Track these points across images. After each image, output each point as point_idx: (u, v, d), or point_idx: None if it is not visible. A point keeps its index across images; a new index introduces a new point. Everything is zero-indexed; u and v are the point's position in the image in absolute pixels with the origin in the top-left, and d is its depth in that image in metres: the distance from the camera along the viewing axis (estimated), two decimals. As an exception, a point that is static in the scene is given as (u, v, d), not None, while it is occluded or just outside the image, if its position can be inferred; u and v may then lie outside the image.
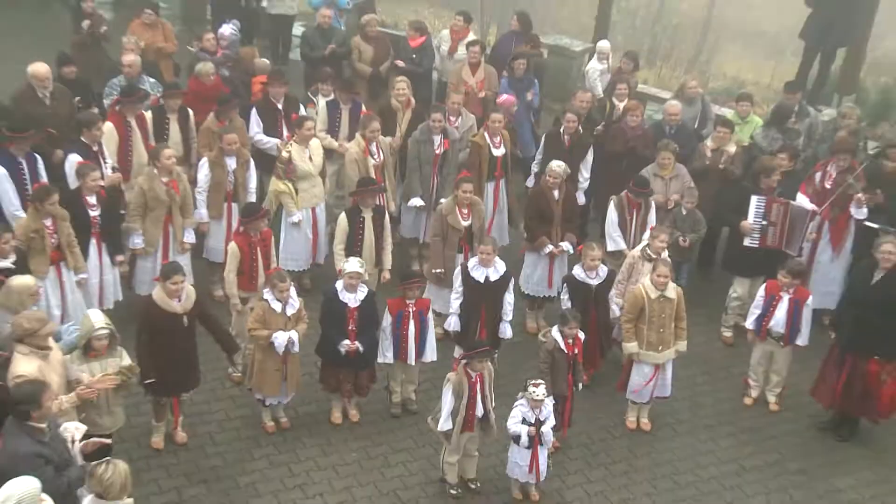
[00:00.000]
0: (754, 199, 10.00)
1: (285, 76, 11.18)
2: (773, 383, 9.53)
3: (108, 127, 9.99)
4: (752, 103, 11.69)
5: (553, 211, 9.87)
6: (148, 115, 10.41)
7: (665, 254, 9.19)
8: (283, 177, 9.98)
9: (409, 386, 9.04)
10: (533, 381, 7.84)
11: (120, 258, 9.34)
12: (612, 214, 10.01)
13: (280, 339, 8.20)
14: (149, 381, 7.83)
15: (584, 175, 10.87)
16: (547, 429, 7.89)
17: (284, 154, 10.03)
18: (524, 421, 7.82)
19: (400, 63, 12.46)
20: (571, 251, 9.96)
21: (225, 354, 8.58)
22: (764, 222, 9.98)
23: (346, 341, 8.40)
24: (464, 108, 11.27)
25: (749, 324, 9.36)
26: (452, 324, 9.09)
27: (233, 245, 8.90)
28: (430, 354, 8.87)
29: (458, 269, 9.12)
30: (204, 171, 9.85)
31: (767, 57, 18.56)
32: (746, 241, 10.07)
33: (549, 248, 9.88)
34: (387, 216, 9.71)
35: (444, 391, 7.90)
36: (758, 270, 10.16)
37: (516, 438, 7.88)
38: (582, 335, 8.54)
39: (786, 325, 9.12)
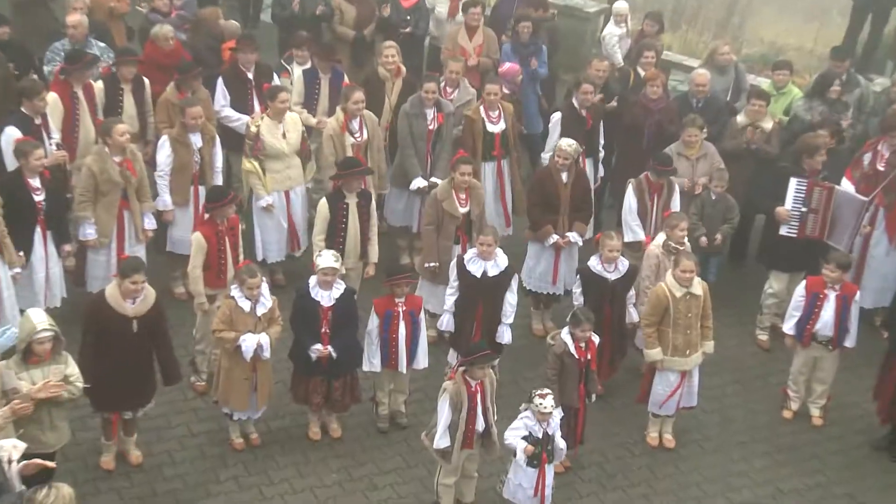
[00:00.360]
0: (793, 182, 9.93)
1: (256, 41, 11.07)
2: (818, 394, 9.45)
3: (51, 98, 9.84)
4: (791, 72, 11.59)
5: (560, 197, 9.78)
6: (98, 85, 10.31)
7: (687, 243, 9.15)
8: (249, 155, 9.86)
9: (398, 396, 8.96)
10: (539, 392, 7.77)
11: (67, 248, 9.25)
12: (629, 200, 9.94)
13: (249, 342, 8.11)
14: (85, 385, 7.68)
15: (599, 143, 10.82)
16: (560, 442, 7.82)
17: (252, 128, 9.91)
18: (529, 436, 7.73)
19: (386, 11, 12.23)
20: (580, 243, 9.86)
21: (190, 367, 8.62)
22: (804, 209, 9.92)
23: (318, 345, 8.33)
24: (465, 80, 11.18)
25: (788, 328, 9.24)
26: (445, 323, 9.03)
27: (197, 235, 8.80)
28: (423, 360, 8.82)
29: (453, 262, 9.04)
30: (165, 152, 9.72)
31: (810, 19, 18.39)
32: (783, 231, 10.01)
33: (554, 238, 9.79)
34: (373, 202, 9.61)
35: (439, 403, 7.83)
36: (797, 264, 10.08)
37: (529, 459, 7.73)
38: (596, 339, 8.46)
39: (834, 326, 9.01)
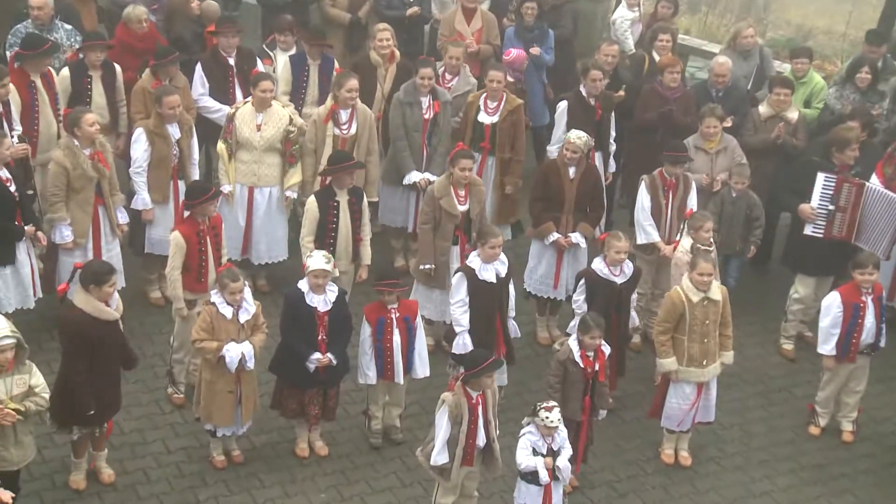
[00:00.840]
0: (821, 178, 10.02)
1: (238, 24, 11.17)
2: (850, 406, 9.55)
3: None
4: (811, 59, 11.70)
5: (565, 193, 9.91)
6: (63, 73, 10.40)
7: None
8: (221, 136, 10.07)
9: (393, 410, 9.10)
10: (545, 405, 7.84)
11: (41, 236, 9.25)
12: (643, 198, 10.04)
13: (232, 352, 8.24)
14: (89, 412, 7.87)
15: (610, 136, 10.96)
16: (564, 462, 7.91)
17: (231, 110, 10.09)
18: (533, 452, 7.84)
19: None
20: (583, 245, 10.00)
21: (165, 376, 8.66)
22: (831, 207, 10.00)
23: (317, 354, 8.48)
24: (465, 67, 11.31)
25: (828, 349, 9.18)
26: (462, 344, 8.92)
27: (176, 235, 8.88)
28: (421, 370, 8.92)
29: (458, 276, 9.01)
30: (142, 146, 9.81)
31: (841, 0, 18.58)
32: (808, 230, 10.12)
33: (554, 236, 9.93)
34: (365, 199, 9.77)
35: (437, 416, 7.90)
36: (824, 268, 10.23)
37: (530, 476, 7.86)
38: (607, 349, 8.54)
39: (875, 332, 9.20)
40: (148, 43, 10.99)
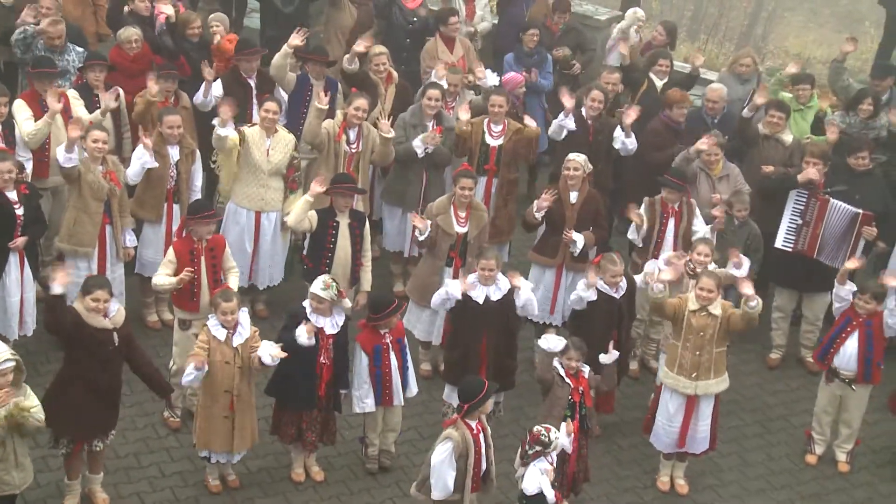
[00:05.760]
0: (793, 194, 10.25)
1: (259, 47, 11.14)
2: (844, 437, 9.47)
3: (17, 105, 9.85)
4: (813, 85, 11.67)
5: (565, 217, 9.80)
6: (72, 93, 10.26)
7: (712, 266, 9.19)
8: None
9: (389, 435, 8.96)
10: (544, 430, 7.69)
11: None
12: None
13: (189, 370, 8.04)
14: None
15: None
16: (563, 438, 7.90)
17: (241, 127, 9.97)
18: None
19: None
20: (580, 245, 9.75)
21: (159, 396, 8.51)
22: (800, 221, 10.20)
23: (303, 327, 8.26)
24: (464, 92, 11.24)
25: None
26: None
27: (171, 248, 8.87)
28: (414, 387, 8.87)
29: (454, 287, 8.94)
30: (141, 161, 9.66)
31: (840, 29, 18.54)
32: (778, 243, 10.27)
33: (541, 211, 9.70)
34: (367, 224, 9.64)
35: (437, 453, 7.68)
36: (792, 282, 10.34)
37: (537, 499, 7.66)
38: (586, 369, 8.49)
39: (858, 360, 9.07)
40: (142, 63, 10.87)
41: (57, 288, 7.60)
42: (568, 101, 10.43)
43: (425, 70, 11.94)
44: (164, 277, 8.76)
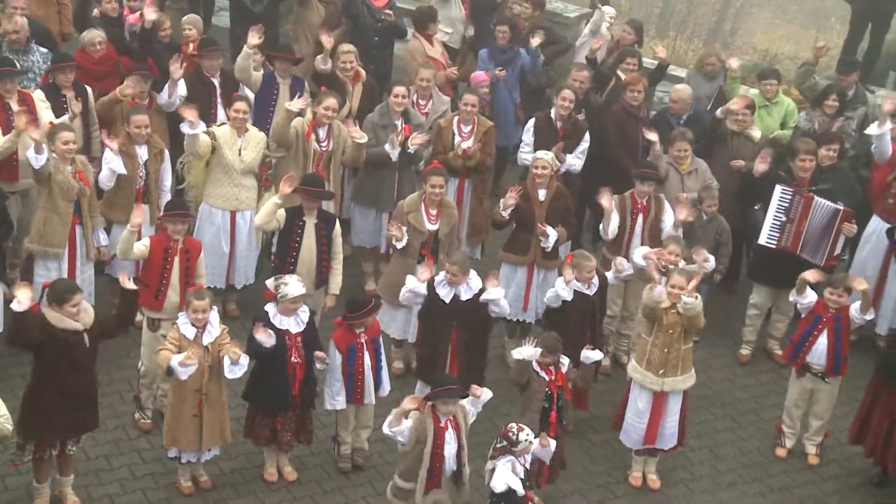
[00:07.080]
0: (778, 190, 10.19)
1: (221, 45, 11.04)
2: (814, 430, 9.50)
3: None
4: (780, 81, 11.70)
5: (534, 215, 9.77)
6: (38, 94, 10.15)
7: (682, 263, 9.20)
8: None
9: (362, 433, 8.93)
10: (515, 429, 7.70)
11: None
12: (609, 215, 9.87)
13: (174, 362, 7.98)
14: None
15: (580, 148, 10.75)
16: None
17: (210, 127, 9.90)
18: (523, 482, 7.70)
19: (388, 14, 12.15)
20: (552, 239, 9.71)
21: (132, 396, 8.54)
22: (784, 218, 10.15)
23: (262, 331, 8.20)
24: (436, 89, 11.21)
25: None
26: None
27: (145, 239, 8.84)
28: (387, 386, 8.86)
29: (415, 283, 8.91)
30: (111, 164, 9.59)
31: (807, 25, 18.64)
32: (762, 240, 10.23)
33: (511, 201, 9.64)
34: (337, 226, 9.53)
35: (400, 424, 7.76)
36: (774, 280, 10.28)
37: (506, 498, 7.63)
38: (566, 361, 8.48)
39: (827, 355, 9.11)
40: (107, 65, 10.80)
41: (18, 306, 7.50)
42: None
43: (410, 68, 11.83)
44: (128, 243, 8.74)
